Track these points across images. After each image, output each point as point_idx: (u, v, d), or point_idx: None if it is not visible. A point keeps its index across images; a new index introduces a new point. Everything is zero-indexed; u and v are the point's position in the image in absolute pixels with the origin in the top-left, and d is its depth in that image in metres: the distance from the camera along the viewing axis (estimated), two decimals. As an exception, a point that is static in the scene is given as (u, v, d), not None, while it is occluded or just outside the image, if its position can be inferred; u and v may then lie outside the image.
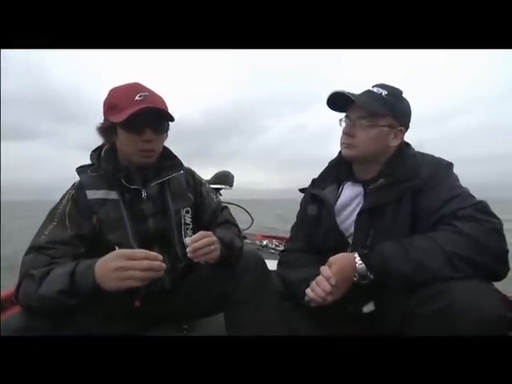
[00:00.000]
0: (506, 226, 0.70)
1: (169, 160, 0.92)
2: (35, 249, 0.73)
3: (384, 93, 0.83)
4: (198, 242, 0.73)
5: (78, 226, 0.78)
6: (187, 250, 0.73)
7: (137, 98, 0.77)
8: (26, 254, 0.74)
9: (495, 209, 0.73)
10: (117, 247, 0.78)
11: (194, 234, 0.97)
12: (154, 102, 0.78)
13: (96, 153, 0.88)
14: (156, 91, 0.84)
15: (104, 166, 0.84)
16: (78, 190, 0.83)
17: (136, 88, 0.80)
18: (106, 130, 0.83)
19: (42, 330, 0.64)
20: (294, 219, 1.08)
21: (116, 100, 0.80)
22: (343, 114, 0.89)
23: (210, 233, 0.78)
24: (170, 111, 0.81)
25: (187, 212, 0.93)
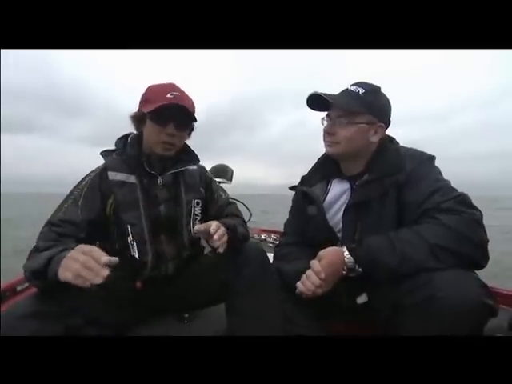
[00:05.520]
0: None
1: (186, 154, 1.01)
2: (49, 223, 0.82)
3: (361, 91, 0.84)
4: (220, 230, 0.80)
5: (89, 209, 0.86)
6: (216, 239, 0.77)
7: (168, 95, 0.87)
8: (44, 226, 0.82)
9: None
10: (129, 226, 0.87)
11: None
12: (182, 101, 0.87)
13: (122, 140, 0.98)
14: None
15: (129, 150, 0.93)
16: (102, 170, 0.91)
17: (170, 87, 0.90)
18: (137, 118, 0.94)
19: (50, 315, 0.66)
20: (279, 214, 1.11)
21: (150, 94, 0.90)
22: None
23: (215, 222, 0.82)
24: (195, 113, 0.90)
25: (197, 204, 0.99)
